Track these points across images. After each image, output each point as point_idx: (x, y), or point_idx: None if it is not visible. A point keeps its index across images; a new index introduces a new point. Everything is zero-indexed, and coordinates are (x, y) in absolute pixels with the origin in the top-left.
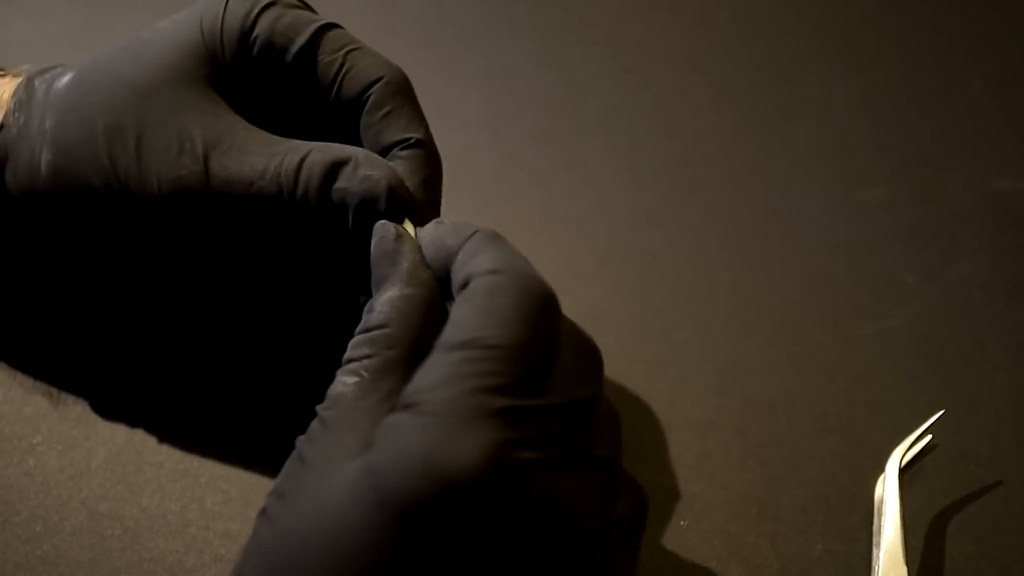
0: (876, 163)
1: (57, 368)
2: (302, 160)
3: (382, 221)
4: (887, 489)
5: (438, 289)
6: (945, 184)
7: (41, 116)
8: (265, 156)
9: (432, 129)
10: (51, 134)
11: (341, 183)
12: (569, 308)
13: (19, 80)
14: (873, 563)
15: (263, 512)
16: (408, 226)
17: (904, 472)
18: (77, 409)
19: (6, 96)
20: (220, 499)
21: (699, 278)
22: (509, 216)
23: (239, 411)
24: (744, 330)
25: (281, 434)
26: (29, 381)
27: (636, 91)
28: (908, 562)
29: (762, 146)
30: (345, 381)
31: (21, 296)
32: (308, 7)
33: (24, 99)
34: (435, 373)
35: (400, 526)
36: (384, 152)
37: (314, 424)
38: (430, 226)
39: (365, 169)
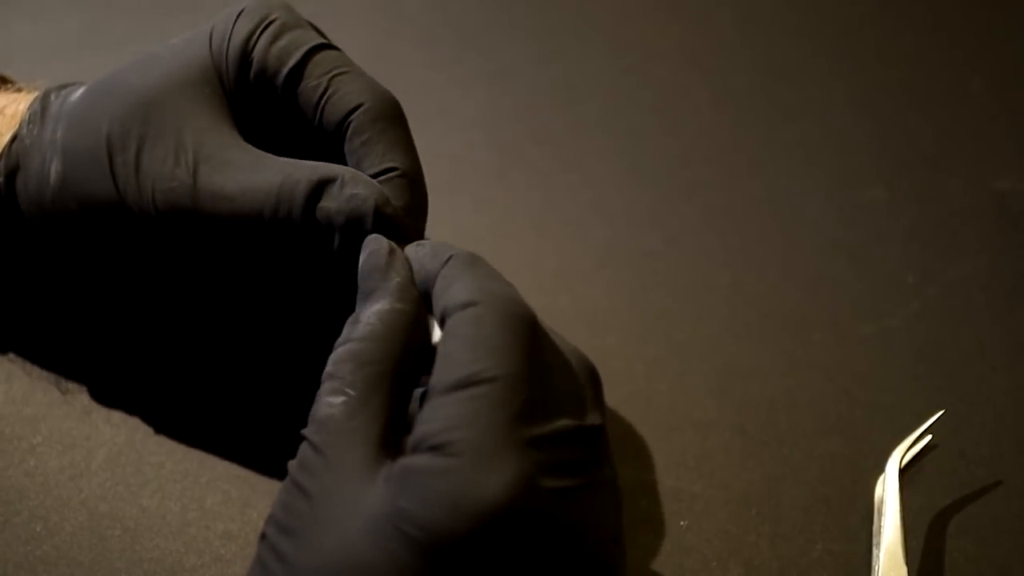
0: (876, 163)
1: (58, 369)
2: (284, 179)
3: (374, 235)
4: (887, 489)
5: (424, 309)
6: (945, 184)
7: (53, 127)
8: (249, 173)
9: (432, 129)
10: (60, 143)
11: (326, 202)
12: (569, 308)
13: (35, 95)
14: (873, 563)
15: (265, 542)
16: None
17: (904, 472)
18: (77, 409)
19: (22, 108)
20: (220, 499)
21: (699, 278)
22: (509, 216)
23: (239, 411)
24: (744, 330)
25: (281, 434)
26: (30, 381)
27: (636, 91)
28: (908, 562)
29: (762, 146)
30: (331, 402)
31: (24, 298)
32: (314, 27)
33: (39, 111)
34: (446, 413)
35: (433, 562)
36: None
37: (305, 451)
38: (411, 247)
39: (351, 188)
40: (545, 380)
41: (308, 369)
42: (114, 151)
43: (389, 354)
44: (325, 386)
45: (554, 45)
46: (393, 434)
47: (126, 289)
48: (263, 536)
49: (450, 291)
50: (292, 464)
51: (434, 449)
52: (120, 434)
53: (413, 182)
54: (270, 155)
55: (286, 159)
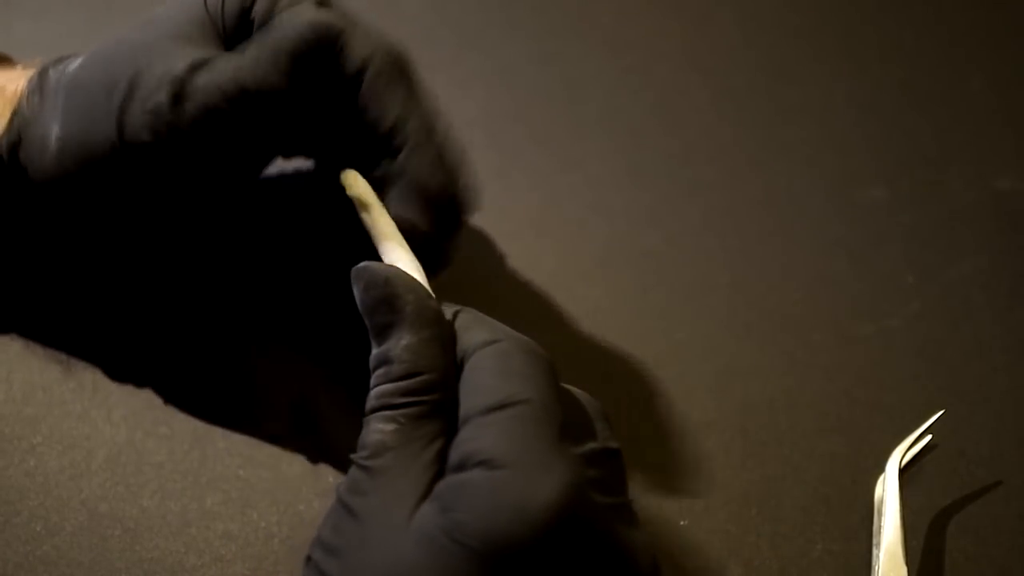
0: (876, 163)
1: (58, 368)
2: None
3: (361, 264)
4: (887, 489)
5: (444, 316)
6: (945, 184)
7: (54, 98)
8: (239, 59)
9: None
10: (61, 109)
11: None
12: (569, 308)
13: (33, 71)
14: (873, 563)
15: (311, 564)
16: (356, 179)
17: (904, 472)
18: (77, 409)
19: (21, 86)
20: (220, 499)
21: (699, 278)
22: (509, 216)
23: (239, 412)
24: (744, 330)
25: (281, 435)
26: (29, 381)
27: (636, 91)
28: (908, 562)
29: (762, 146)
30: (383, 428)
31: (22, 294)
32: None
33: (37, 85)
34: (489, 433)
35: (493, 571)
36: (383, 138)
37: (357, 474)
38: None
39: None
40: (566, 409)
41: (311, 371)
42: (109, 96)
43: (437, 383)
44: (376, 415)
45: (554, 45)
46: (445, 459)
47: (127, 273)
48: (308, 559)
49: (468, 334)
50: (341, 487)
51: (482, 464)
52: (120, 434)
53: (425, 124)
54: None
55: None
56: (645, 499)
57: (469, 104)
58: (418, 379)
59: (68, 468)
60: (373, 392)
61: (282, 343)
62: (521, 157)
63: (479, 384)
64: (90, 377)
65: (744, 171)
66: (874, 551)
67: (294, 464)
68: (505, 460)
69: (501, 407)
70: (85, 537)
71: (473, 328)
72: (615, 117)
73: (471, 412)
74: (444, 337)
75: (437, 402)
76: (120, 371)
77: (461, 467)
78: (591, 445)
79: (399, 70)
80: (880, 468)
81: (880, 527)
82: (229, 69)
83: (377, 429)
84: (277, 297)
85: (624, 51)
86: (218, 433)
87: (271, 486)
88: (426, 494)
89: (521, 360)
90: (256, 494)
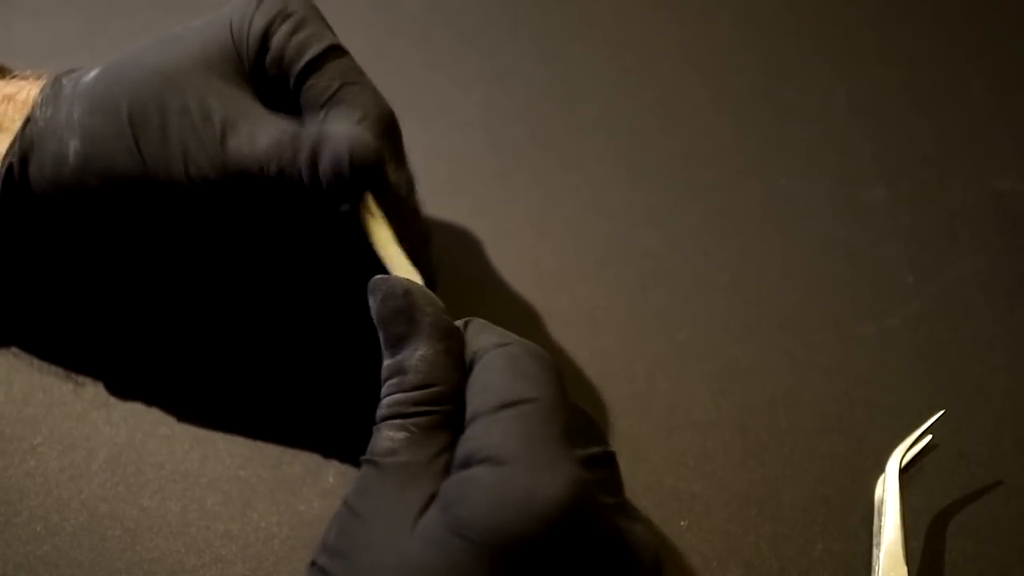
0: (876, 163)
1: (58, 369)
2: (297, 139)
3: (378, 276)
4: (887, 489)
5: (458, 330)
6: (945, 184)
7: (69, 108)
8: (276, 134)
9: (432, 129)
10: (79, 123)
11: (320, 163)
12: (569, 308)
13: (43, 80)
14: (873, 563)
15: (315, 567)
16: (371, 204)
17: (904, 472)
18: (77, 409)
19: (34, 94)
20: (220, 499)
21: (699, 278)
22: (509, 216)
23: (239, 412)
24: (744, 330)
25: (282, 435)
26: (30, 381)
27: (636, 91)
28: (908, 562)
29: (762, 146)
30: (392, 436)
31: (24, 295)
32: (329, 28)
33: (51, 94)
34: (496, 431)
35: (501, 565)
36: None
37: (365, 479)
38: None
39: (332, 145)
40: (569, 414)
41: (311, 371)
42: (137, 126)
43: (449, 395)
44: (388, 423)
45: (554, 45)
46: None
47: (134, 279)
48: (312, 563)
49: (478, 338)
50: (348, 493)
51: (487, 461)
52: (120, 434)
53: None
54: (293, 119)
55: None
56: (645, 499)
57: (469, 104)
58: (431, 390)
59: (68, 468)
60: (385, 401)
61: (283, 344)
62: (521, 157)
63: (488, 383)
64: (90, 378)
65: (744, 171)
66: (874, 551)
67: (294, 464)
68: (510, 456)
69: (509, 405)
70: (85, 537)
71: (484, 332)
72: (615, 117)
73: (479, 410)
74: (457, 351)
75: (448, 413)
76: (120, 372)
77: (466, 464)
78: (593, 449)
79: (390, 129)
80: (880, 468)
81: (880, 527)
82: (263, 146)
83: (388, 436)
84: (277, 298)
85: (624, 51)
86: (218, 433)
87: (271, 486)
88: (432, 502)
89: (530, 362)
90: (256, 494)
